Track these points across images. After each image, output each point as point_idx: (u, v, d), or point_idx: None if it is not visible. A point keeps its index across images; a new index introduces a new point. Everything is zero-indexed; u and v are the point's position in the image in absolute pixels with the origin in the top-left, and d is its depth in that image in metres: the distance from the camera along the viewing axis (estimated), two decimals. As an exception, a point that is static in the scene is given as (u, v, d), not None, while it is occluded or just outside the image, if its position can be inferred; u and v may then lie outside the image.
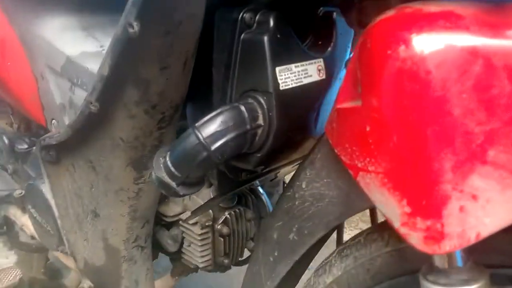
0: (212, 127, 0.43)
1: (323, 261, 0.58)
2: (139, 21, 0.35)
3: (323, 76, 0.53)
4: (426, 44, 0.33)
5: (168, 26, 0.37)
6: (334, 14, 0.58)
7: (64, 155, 0.57)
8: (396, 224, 0.36)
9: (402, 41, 0.34)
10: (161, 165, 0.45)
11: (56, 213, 0.62)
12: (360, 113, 0.38)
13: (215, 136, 0.43)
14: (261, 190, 0.79)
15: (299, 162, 0.56)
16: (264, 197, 0.79)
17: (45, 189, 0.67)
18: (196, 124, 0.43)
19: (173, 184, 0.45)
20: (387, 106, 0.35)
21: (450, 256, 0.38)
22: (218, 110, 0.44)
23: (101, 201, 0.56)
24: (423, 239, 0.34)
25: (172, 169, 0.44)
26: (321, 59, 0.54)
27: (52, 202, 0.62)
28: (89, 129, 0.49)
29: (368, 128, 0.37)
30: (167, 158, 0.45)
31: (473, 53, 0.32)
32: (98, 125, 0.48)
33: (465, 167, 0.32)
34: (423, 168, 0.33)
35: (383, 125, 0.36)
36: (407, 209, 0.35)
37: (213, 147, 0.43)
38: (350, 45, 0.64)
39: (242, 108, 0.45)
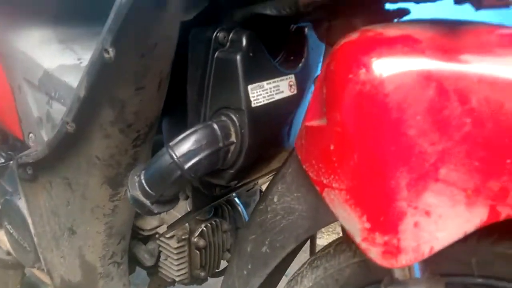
0: (185, 146, 0.44)
1: (295, 272, 0.60)
2: (114, 47, 0.36)
3: (294, 91, 0.55)
4: (384, 68, 0.35)
5: (143, 49, 0.38)
6: (306, 29, 0.61)
7: (41, 172, 0.57)
8: (357, 239, 0.38)
9: (363, 65, 0.36)
10: (136, 184, 0.46)
11: (33, 231, 0.62)
12: (325, 132, 0.40)
13: (189, 155, 0.44)
14: (237, 200, 0.80)
15: (274, 173, 0.58)
16: (241, 208, 0.80)
17: (22, 205, 0.67)
18: (170, 144, 0.45)
19: (148, 202, 0.46)
20: (348, 126, 0.37)
21: (408, 268, 0.40)
22: (192, 129, 0.45)
23: (78, 219, 0.57)
24: (381, 253, 0.36)
25: (147, 188, 0.45)
26: (293, 75, 0.56)
27: (29, 219, 0.62)
28: (65, 148, 0.50)
29: (332, 147, 0.39)
30: (142, 177, 0.46)
31: (427, 77, 0.34)
32: (74, 144, 0.49)
33: (419, 185, 0.35)
34: (381, 186, 0.35)
35: (345, 144, 0.38)
36: (367, 225, 0.37)
37: (187, 166, 0.44)
38: (321, 59, 0.66)
39: (215, 126, 0.47)
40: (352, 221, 0.38)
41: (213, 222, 0.74)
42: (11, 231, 0.80)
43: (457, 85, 0.34)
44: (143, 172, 0.46)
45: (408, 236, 0.35)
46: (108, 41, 0.36)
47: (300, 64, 0.57)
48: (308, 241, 0.70)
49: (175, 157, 0.44)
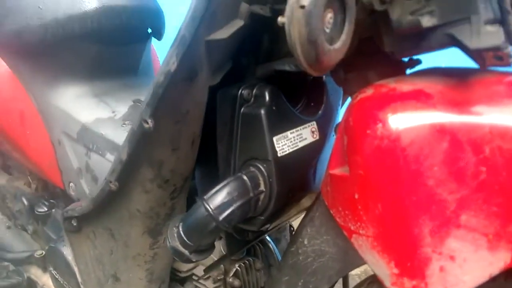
0: (219, 199, 0.48)
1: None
2: (153, 118, 0.41)
3: (316, 137, 0.58)
4: (400, 123, 0.38)
5: (177, 117, 0.42)
6: (324, 76, 0.64)
7: (85, 224, 0.62)
8: (387, 283, 0.40)
9: (379, 120, 0.39)
10: (175, 235, 0.50)
11: (79, 279, 0.66)
12: (349, 181, 0.43)
13: (222, 207, 0.47)
14: (268, 238, 0.83)
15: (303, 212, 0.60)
16: (272, 245, 0.82)
17: (67, 252, 0.71)
18: (205, 197, 0.48)
19: (187, 252, 0.49)
20: (370, 178, 0.39)
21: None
22: (224, 182, 0.49)
23: (121, 266, 0.60)
24: (411, 297, 0.38)
25: (185, 238, 0.49)
26: (314, 122, 0.59)
27: (75, 267, 0.66)
28: (109, 203, 0.54)
29: (356, 196, 0.42)
30: (180, 229, 0.49)
31: (441, 130, 0.37)
32: (117, 199, 0.53)
33: (442, 231, 0.37)
34: (405, 233, 0.38)
35: (368, 194, 0.40)
36: (395, 270, 0.39)
37: (221, 217, 0.47)
38: (340, 102, 0.69)
39: (245, 177, 0.50)
40: (380, 266, 0.40)
41: (247, 262, 0.76)
42: (56, 276, 0.85)
43: (470, 136, 0.36)
44: (181, 224, 0.50)
45: (435, 280, 0.37)
46: (147, 113, 0.40)
47: (320, 110, 0.60)
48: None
49: (210, 209, 0.47)
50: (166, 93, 0.39)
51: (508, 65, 0.36)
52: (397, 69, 0.48)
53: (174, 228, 0.50)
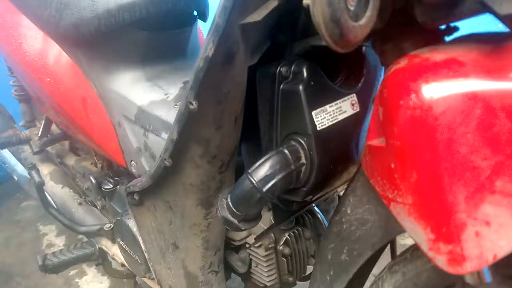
0: (262, 172, 0.51)
1: (376, 277, 0.64)
2: (196, 100, 0.44)
3: (357, 109, 0.59)
4: (432, 93, 0.39)
5: (219, 97, 0.46)
6: (364, 48, 0.64)
7: (146, 198, 0.68)
8: (424, 248, 0.41)
9: (412, 91, 0.40)
10: (224, 206, 0.54)
11: (143, 247, 0.73)
12: (385, 152, 0.44)
13: (266, 179, 0.51)
14: (316, 209, 0.85)
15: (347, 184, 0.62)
16: (320, 215, 0.85)
17: (132, 224, 0.78)
18: (249, 170, 0.52)
19: (236, 221, 0.53)
20: (405, 148, 0.41)
21: (478, 273, 0.42)
22: (266, 156, 0.52)
23: (179, 235, 0.66)
24: (447, 261, 0.39)
25: (233, 209, 0.53)
26: (354, 94, 0.60)
27: (139, 237, 0.73)
28: (164, 178, 0.59)
29: (393, 165, 0.43)
30: (229, 200, 0.54)
31: (473, 97, 0.37)
32: (171, 175, 0.58)
33: (476, 197, 0.37)
34: (440, 200, 0.39)
35: (404, 163, 0.41)
36: (432, 236, 0.40)
37: (265, 188, 0.51)
38: (381, 74, 0.69)
39: (286, 151, 0.53)
40: (418, 232, 0.42)
41: (296, 231, 0.80)
42: (124, 246, 0.94)
43: (503, 102, 0.36)
44: (229, 195, 0.54)
45: (471, 245, 0.38)
46: (192, 96, 0.44)
47: (360, 83, 0.60)
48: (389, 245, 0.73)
49: (254, 182, 0.50)
50: (207, 77, 0.42)
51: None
52: (433, 38, 0.48)
53: (224, 200, 0.54)
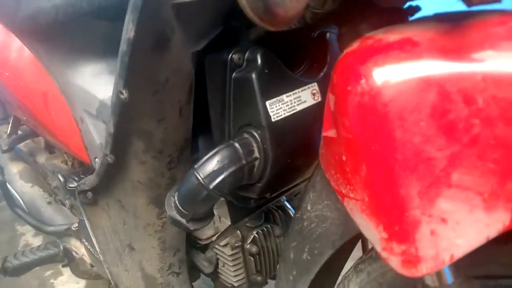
0: (209, 167, 0.47)
1: (343, 276, 0.60)
2: (127, 88, 0.40)
3: (318, 99, 0.55)
4: (382, 77, 0.35)
5: (155, 86, 0.41)
6: (328, 34, 0.60)
7: (100, 196, 0.63)
8: (378, 248, 0.38)
9: (361, 76, 0.36)
10: (172, 205, 0.50)
11: (98, 249, 0.69)
12: (337, 143, 0.40)
13: (213, 175, 0.47)
14: (288, 205, 0.82)
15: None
16: (292, 212, 0.81)
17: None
18: (195, 166, 0.47)
19: (183, 221, 0.49)
20: (355, 138, 0.37)
21: (438, 274, 0.39)
22: (214, 150, 0.48)
23: (134, 236, 0.62)
24: (401, 263, 0.36)
25: (180, 208, 0.49)
26: (315, 83, 0.56)
27: (93, 238, 0.69)
28: (111, 175, 0.55)
29: (344, 158, 0.39)
30: (176, 198, 0.49)
31: (427, 81, 0.33)
32: (117, 172, 0.54)
33: (431, 192, 0.34)
34: (392, 195, 0.35)
35: (354, 155, 0.37)
36: (384, 235, 0.36)
37: (212, 185, 0.46)
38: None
39: (236, 145, 0.48)
40: (370, 230, 0.38)
41: (265, 229, 0.76)
42: (88, 247, 0.89)
43: (460, 86, 0.33)
44: (176, 193, 0.50)
45: (426, 245, 0.34)
46: (120, 84, 0.40)
47: (323, 71, 0.56)
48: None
49: (200, 178, 0.46)
50: (134, 62, 0.38)
51: (496, 1, 0.31)
52: (395, 19, 0.44)
53: (171, 198, 0.50)
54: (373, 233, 0.38)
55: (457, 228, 0.34)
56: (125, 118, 0.44)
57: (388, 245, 0.36)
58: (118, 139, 0.47)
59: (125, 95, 0.40)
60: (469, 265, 0.40)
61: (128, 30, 0.37)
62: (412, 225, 0.34)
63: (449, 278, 0.39)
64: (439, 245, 0.34)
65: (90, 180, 0.61)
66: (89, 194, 0.66)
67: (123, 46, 0.38)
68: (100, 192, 0.62)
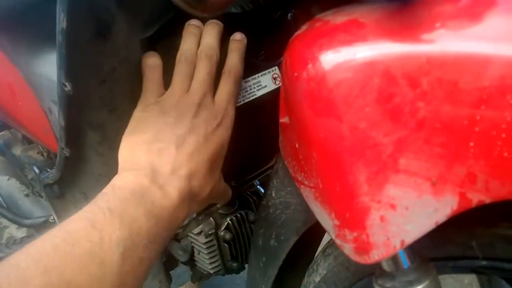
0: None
1: (313, 260, 0.60)
2: (69, 80, 0.38)
3: (280, 83, 0.54)
4: (326, 62, 0.33)
5: (101, 76, 0.40)
6: (289, 15, 0.58)
7: (66, 189, 0.62)
8: (332, 236, 0.37)
9: (306, 62, 0.34)
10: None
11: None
12: (290, 130, 0.40)
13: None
14: (262, 190, 0.81)
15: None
16: (266, 198, 0.80)
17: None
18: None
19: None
20: (304, 125, 0.36)
21: (393, 258, 0.38)
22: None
23: (102, 229, 0.61)
24: (354, 250, 0.35)
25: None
26: (276, 67, 0.54)
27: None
28: (71, 169, 0.54)
29: (297, 145, 0.39)
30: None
31: (371, 64, 0.32)
32: (76, 165, 0.52)
33: (379, 178, 0.33)
34: (342, 182, 0.34)
35: (304, 142, 0.37)
36: (336, 222, 0.36)
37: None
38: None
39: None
40: (324, 218, 0.38)
41: (238, 215, 0.75)
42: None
43: (404, 68, 0.32)
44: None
45: (376, 231, 0.34)
46: (62, 76, 0.38)
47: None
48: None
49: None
50: (73, 53, 0.36)
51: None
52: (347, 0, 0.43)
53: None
54: (327, 220, 0.37)
55: (406, 214, 0.33)
56: (74, 111, 0.42)
57: (341, 232, 0.36)
58: (71, 132, 0.45)
59: (68, 87, 0.39)
60: (426, 248, 0.39)
61: (60, 21, 0.35)
62: (361, 212, 0.34)
63: (405, 262, 0.38)
64: (389, 231, 0.33)
65: (52, 174, 0.60)
66: (55, 187, 0.64)
67: (58, 38, 0.36)
68: (66, 185, 0.61)
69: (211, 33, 0.46)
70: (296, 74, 0.35)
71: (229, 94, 0.45)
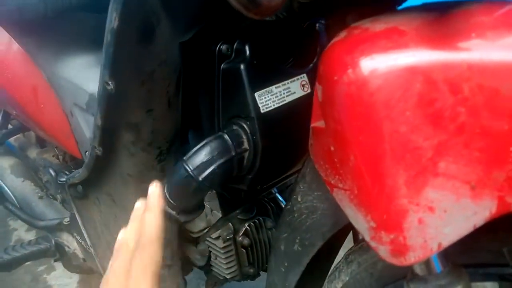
0: (198, 159, 0.47)
1: (334, 266, 0.60)
2: (113, 79, 0.39)
3: (308, 90, 0.55)
4: (368, 67, 0.34)
5: (141, 77, 0.41)
6: (317, 25, 0.60)
7: (90, 190, 0.63)
8: (367, 238, 0.38)
9: (346, 66, 0.35)
10: (162, 197, 0.50)
11: (89, 242, 0.69)
12: (325, 133, 0.40)
13: (202, 167, 0.46)
14: (280, 197, 0.82)
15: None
16: (283, 204, 0.81)
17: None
18: (184, 157, 0.47)
19: (174, 213, 0.49)
20: (342, 128, 0.37)
21: (426, 263, 0.39)
22: (203, 142, 0.48)
23: (125, 229, 0.62)
24: (390, 251, 0.36)
25: (170, 200, 0.49)
26: (304, 74, 0.56)
27: (84, 232, 0.69)
28: (100, 168, 0.55)
29: (332, 148, 0.39)
30: (165, 190, 0.49)
31: (413, 70, 0.33)
32: (106, 165, 0.53)
33: (418, 181, 0.34)
34: (380, 185, 0.35)
35: (342, 145, 0.37)
36: (373, 224, 0.36)
37: (201, 177, 0.46)
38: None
39: (226, 136, 0.48)
40: (359, 220, 0.38)
41: (256, 221, 0.76)
42: (81, 241, 0.89)
43: (445, 74, 0.33)
44: (166, 185, 0.49)
45: (414, 233, 0.34)
46: (106, 75, 0.39)
47: (313, 62, 0.56)
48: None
49: (189, 170, 0.46)
50: (119, 53, 0.38)
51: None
52: (382, 9, 0.44)
53: (161, 191, 0.50)
54: (362, 222, 0.38)
55: (444, 216, 0.34)
56: (113, 110, 0.43)
57: (377, 234, 0.36)
58: (106, 131, 0.47)
59: (111, 86, 0.40)
60: (458, 253, 0.40)
61: (112, 20, 0.36)
62: (399, 214, 0.34)
63: (437, 266, 0.39)
64: (427, 234, 0.34)
65: (79, 174, 0.61)
66: (79, 187, 0.65)
67: (107, 37, 0.38)
68: (90, 186, 0.62)
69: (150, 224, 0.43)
70: (336, 78, 0.36)
71: None
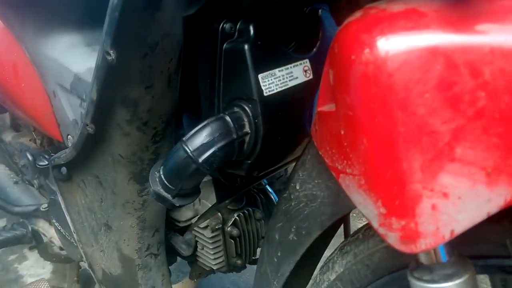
0: (198, 140, 0.45)
1: (327, 258, 0.59)
2: (114, 49, 0.37)
3: (310, 76, 0.54)
4: (387, 47, 0.33)
5: (144, 49, 0.39)
6: (320, 11, 0.58)
7: (75, 172, 0.60)
8: (375, 225, 0.37)
9: (364, 45, 0.34)
10: (156, 179, 0.47)
11: (72, 228, 0.66)
12: (335, 117, 0.39)
13: (202, 149, 0.44)
14: (269, 188, 0.80)
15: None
16: (273, 196, 0.80)
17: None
18: (184, 138, 0.45)
19: (169, 196, 0.47)
20: (355, 110, 0.35)
21: (433, 252, 0.38)
22: (204, 123, 0.46)
23: (111, 214, 0.59)
24: (400, 238, 0.35)
25: (166, 182, 0.46)
26: (307, 60, 0.54)
27: (67, 217, 0.66)
28: (90, 148, 0.52)
29: (342, 132, 0.38)
30: (161, 172, 0.47)
31: (434, 52, 0.32)
32: (97, 144, 0.51)
33: (434, 166, 0.33)
34: (393, 169, 0.34)
35: (354, 128, 0.36)
36: (383, 210, 0.35)
37: (201, 159, 0.44)
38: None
39: (227, 118, 0.46)
40: (368, 206, 0.37)
41: (246, 211, 0.75)
42: (59, 228, 0.86)
43: (467, 57, 0.32)
44: (161, 167, 0.47)
45: (426, 220, 0.34)
46: (108, 43, 0.37)
47: (315, 48, 0.55)
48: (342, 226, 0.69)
49: (189, 151, 0.44)
50: (125, 19, 0.35)
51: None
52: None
53: (156, 173, 0.48)
54: (371, 208, 0.37)
55: (458, 203, 0.33)
56: (111, 83, 0.41)
57: (387, 220, 0.35)
58: (100, 107, 0.44)
59: (112, 56, 0.37)
60: (459, 244, 0.39)
61: (121, -18, 0.34)
62: (413, 199, 0.33)
63: (443, 256, 0.38)
64: (440, 221, 0.33)
65: (66, 154, 0.58)
66: (64, 169, 0.62)
67: (113, 0, 0.35)
68: (76, 167, 0.59)
69: None
70: (353, 57, 0.35)
71: None
